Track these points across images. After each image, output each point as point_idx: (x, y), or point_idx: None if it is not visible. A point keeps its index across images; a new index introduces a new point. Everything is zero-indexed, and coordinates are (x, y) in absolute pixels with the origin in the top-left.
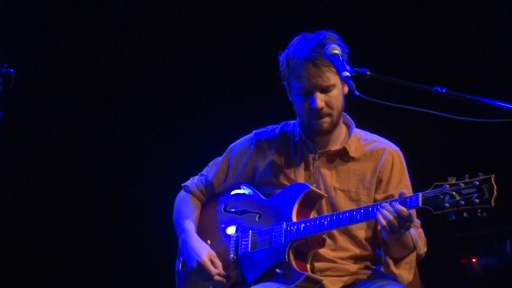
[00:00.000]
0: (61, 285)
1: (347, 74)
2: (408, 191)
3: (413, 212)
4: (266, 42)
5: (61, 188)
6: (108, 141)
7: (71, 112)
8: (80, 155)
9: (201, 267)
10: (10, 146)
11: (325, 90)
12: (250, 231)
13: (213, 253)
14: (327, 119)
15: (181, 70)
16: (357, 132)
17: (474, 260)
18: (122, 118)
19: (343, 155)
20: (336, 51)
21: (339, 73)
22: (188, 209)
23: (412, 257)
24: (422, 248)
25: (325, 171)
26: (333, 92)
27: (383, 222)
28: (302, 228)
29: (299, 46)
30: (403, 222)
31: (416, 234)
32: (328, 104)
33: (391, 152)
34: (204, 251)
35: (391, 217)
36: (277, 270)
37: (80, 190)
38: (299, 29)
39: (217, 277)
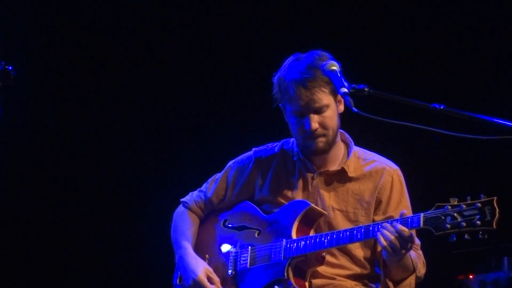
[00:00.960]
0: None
1: (345, 90)
2: (408, 211)
3: (413, 233)
4: (268, 56)
5: (58, 190)
6: (108, 154)
7: (70, 115)
8: (80, 163)
9: (197, 284)
10: (8, 143)
11: (318, 111)
12: (249, 247)
13: (210, 269)
14: (322, 139)
15: (181, 83)
16: (357, 150)
17: (471, 276)
18: (124, 130)
19: (342, 175)
20: (334, 68)
21: (337, 89)
22: (185, 225)
23: (412, 279)
24: (422, 270)
25: (323, 191)
26: (327, 112)
27: (384, 242)
28: (302, 245)
29: (290, 69)
30: (405, 243)
31: (416, 256)
32: (322, 125)
33: (390, 173)
34: (200, 268)
35: (392, 237)
36: (276, 287)
37: (79, 199)
38: (300, 45)
39: None
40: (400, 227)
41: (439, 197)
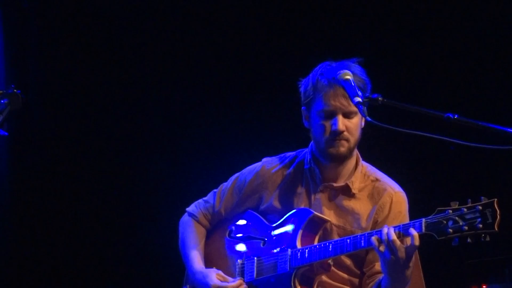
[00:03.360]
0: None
1: (359, 99)
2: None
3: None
4: (278, 65)
5: (65, 202)
6: (115, 159)
7: (78, 123)
8: (86, 170)
9: None
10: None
11: (348, 115)
12: (255, 258)
13: (219, 272)
14: (344, 144)
15: (191, 88)
16: (364, 166)
17: (484, 287)
18: (133, 136)
19: (345, 191)
20: (348, 77)
21: (350, 98)
22: (194, 238)
23: None
24: None
25: (324, 207)
26: (354, 119)
27: (377, 243)
28: (307, 254)
29: (328, 69)
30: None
31: None
32: (348, 130)
33: (390, 194)
34: (211, 277)
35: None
36: None
37: (82, 207)
38: (309, 57)
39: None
40: (414, 233)
41: (445, 205)
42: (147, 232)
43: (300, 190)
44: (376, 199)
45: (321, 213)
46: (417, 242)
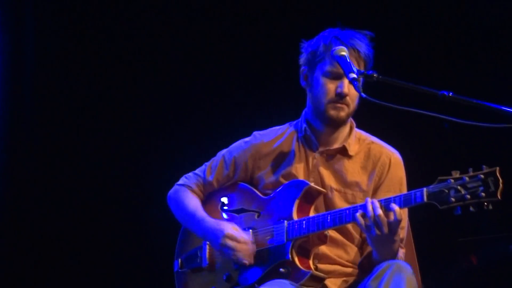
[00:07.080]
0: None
1: (354, 75)
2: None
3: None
4: (269, 43)
5: (60, 189)
6: (107, 145)
7: (72, 112)
8: (80, 157)
9: (227, 240)
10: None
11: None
12: (251, 230)
13: (235, 226)
14: (345, 109)
15: (181, 68)
16: (358, 132)
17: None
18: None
19: (342, 154)
20: (343, 53)
21: (345, 74)
22: (195, 201)
23: None
24: None
25: (323, 170)
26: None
27: (362, 220)
28: (304, 225)
29: (342, 33)
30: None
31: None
32: (350, 95)
33: (389, 155)
34: (226, 226)
35: (372, 214)
36: (281, 269)
37: (75, 191)
38: (300, 31)
39: (245, 249)
40: (396, 208)
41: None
42: (140, 214)
43: (296, 158)
44: (373, 160)
45: (320, 177)
46: (399, 217)
